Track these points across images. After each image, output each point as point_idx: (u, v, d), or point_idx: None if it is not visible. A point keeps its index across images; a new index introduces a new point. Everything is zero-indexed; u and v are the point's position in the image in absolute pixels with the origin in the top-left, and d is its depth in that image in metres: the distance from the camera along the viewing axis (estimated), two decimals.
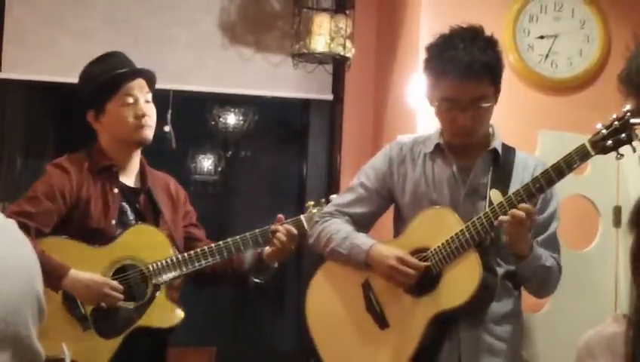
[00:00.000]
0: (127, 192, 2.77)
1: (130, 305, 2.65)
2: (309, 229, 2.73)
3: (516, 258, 2.42)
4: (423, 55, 3.51)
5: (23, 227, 2.50)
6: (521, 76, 3.58)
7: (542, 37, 3.59)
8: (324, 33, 3.82)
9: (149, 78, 2.80)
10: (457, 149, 2.51)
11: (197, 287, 2.96)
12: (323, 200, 2.83)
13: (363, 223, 2.63)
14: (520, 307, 2.56)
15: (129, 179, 2.80)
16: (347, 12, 3.87)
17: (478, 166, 2.49)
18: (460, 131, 2.45)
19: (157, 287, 2.69)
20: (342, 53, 3.84)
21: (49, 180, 2.67)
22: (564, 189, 3.24)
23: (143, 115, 2.72)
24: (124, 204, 2.74)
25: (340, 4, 3.87)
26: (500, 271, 2.45)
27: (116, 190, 2.73)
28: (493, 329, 2.45)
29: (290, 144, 4.75)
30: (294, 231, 2.76)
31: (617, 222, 3.21)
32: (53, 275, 2.52)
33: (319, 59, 3.95)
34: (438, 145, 2.53)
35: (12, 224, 1.05)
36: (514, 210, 2.30)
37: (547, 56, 3.59)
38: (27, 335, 1.00)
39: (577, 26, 3.61)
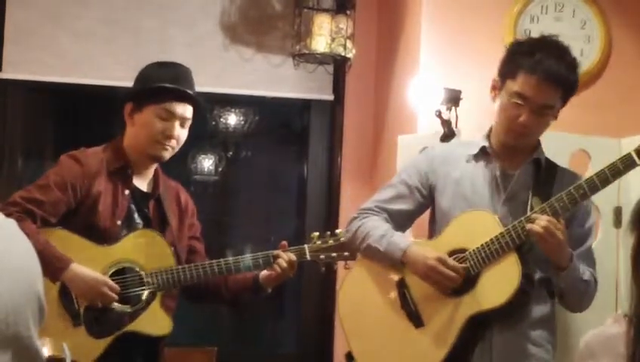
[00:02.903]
0: (137, 196, 2.75)
1: (127, 308, 2.65)
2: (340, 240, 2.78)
3: (555, 269, 2.42)
4: (423, 56, 3.53)
5: (29, 214, 2.52)
6: None
7: None
8: (325, 33, 3.82)
9: (198, 106, 2.77)
10: (503, 154, 2.52)
11: (188, 301, 2.94)
12: (328, 232, 2.85)
13: (401, 222, 2.62)
14: (554, 313, 2.56)
15: (142, 183, 2.78)
16: (348, 12, 3.87)
17: (522, 173, 2.50)
18: (519, 130, 2.44)
19: (153, 294, 2.68)
20: (342, 54, 3.84)
21: (62, 171, 2.65)
22: None
23: (170, 137, 2.70)
24: (132, 206, 2.72)
25: (340, 5, 3.87)
26: (535, 276, 2.45)
27: (127, 191, 2.71)
28: (528, 334, 2.45)
29: (291, 144, 4.74)
30: (295, 259, 2.76)
31: (618, 223, 3.21)
32: (54, 266, 2.52)
33: (320, 59, 3.95)
34: (483, 148, 2.53)
35: (12, 224, 1.05)
36: (532, 226, 2.31)
37: None
38: (28, 335, 1.00)
39: (578, 27, 3.61)
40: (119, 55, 3.95)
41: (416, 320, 2.49)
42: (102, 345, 2.62)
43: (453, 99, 3.19)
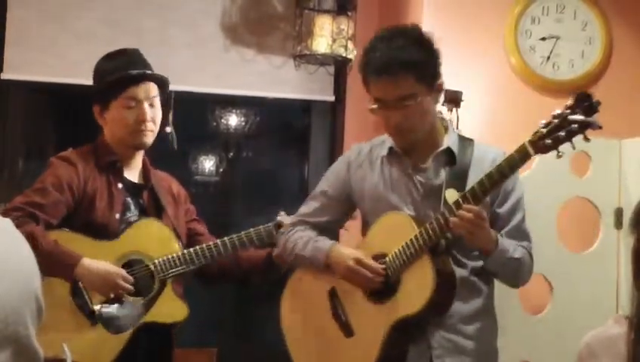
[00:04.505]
0: (131, 188, 2.78)
1: (140, 299, 2.66)
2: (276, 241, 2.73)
3: (482, 254, 2.38)
4: None
5: (32, 217, 2.52)
6: (523, 78, 3.58)
7: (544, 39, 3.59)
8: (326, 34, 3.82)
9: (158, 82, 2.79)
10: (411, 151, 2.47)
11: (202, 284, 2.97)
12: None
13: (327, 231, 2.63)
14: (491, 303, 2.51)
15: (132, 175, 2.81)
16: (349, 13, 3.87)
17: (432, 167, 2.45)
18: (395, 130, 2.41)
19: (164, 283, 2.70)
20: (343, 55, 3.84)
21: (56, 172, 2.66)
22: (565, 191, 3.25)
23: (144, 120, 2.72)
24: (127, 199, 2.75)
25: (341, 6, 3.87)
26: (464, 270, 2.41)
27: (120, 185, 2.74)
28: (462, 329, 2.41)
29: (292, 145, 4.75)
30: None
31: (619, 224, 3.22)
32: (65, 264, 2.53)
33: (321, 60, 3.95)
34: (391, 148, 2.50)
35: (9, 224, 1.05)
36: (461, 211, 2.25)
37: (549, 58, 3.59)
38: (26, 334, 1.00)
39: (579, 28, 3.61)
40: None
41: (346, 329, 2.49)
42: (122, 340, 2.63)
43: (454, 100, 3.19)
